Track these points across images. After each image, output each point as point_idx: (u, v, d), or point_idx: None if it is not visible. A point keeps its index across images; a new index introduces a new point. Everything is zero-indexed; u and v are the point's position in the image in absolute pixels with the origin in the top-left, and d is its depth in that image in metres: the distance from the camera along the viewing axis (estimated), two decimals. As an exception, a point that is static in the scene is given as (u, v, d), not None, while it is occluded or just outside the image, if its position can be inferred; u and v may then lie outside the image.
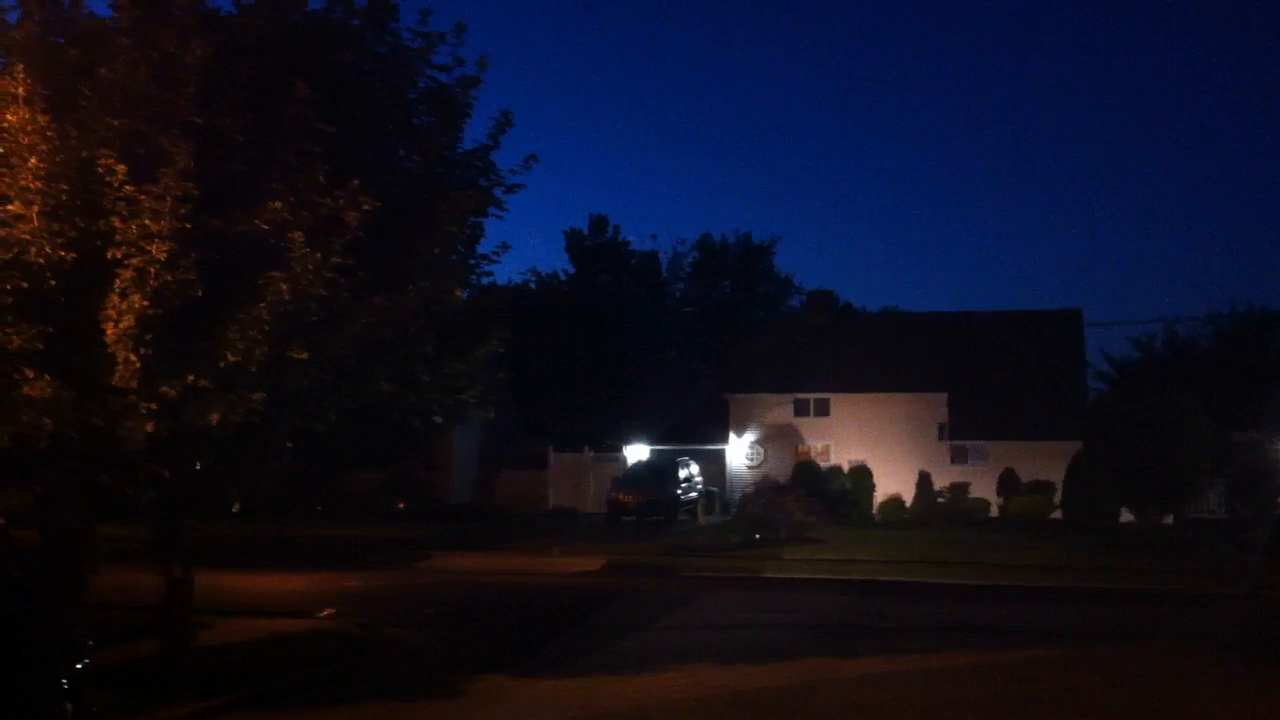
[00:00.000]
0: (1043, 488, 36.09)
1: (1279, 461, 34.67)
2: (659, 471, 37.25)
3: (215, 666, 11.28)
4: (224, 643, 12.41)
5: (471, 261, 13.44)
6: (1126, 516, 33.74)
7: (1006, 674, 11.92)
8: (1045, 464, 36.25)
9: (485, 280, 14.28)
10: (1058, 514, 34.73)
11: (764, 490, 32.80)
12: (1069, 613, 17.39)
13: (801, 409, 42.06)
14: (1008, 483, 36.94)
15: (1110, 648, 13.77)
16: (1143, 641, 14.35)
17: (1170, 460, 32.13)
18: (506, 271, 62.75)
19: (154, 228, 9.71)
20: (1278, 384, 38.08)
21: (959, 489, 37.57)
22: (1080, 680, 11.64)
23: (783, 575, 22.02)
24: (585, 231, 52.26)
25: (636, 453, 41.08)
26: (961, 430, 39.73)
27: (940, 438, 40.31)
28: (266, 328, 10.03)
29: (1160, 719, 10.12)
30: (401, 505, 35.11)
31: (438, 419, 12.78)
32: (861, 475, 38.07)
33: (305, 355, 10.46)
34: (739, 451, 42.30)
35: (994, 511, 36.45)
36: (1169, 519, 33.37)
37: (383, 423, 12.85)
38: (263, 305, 10.09)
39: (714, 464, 41.67)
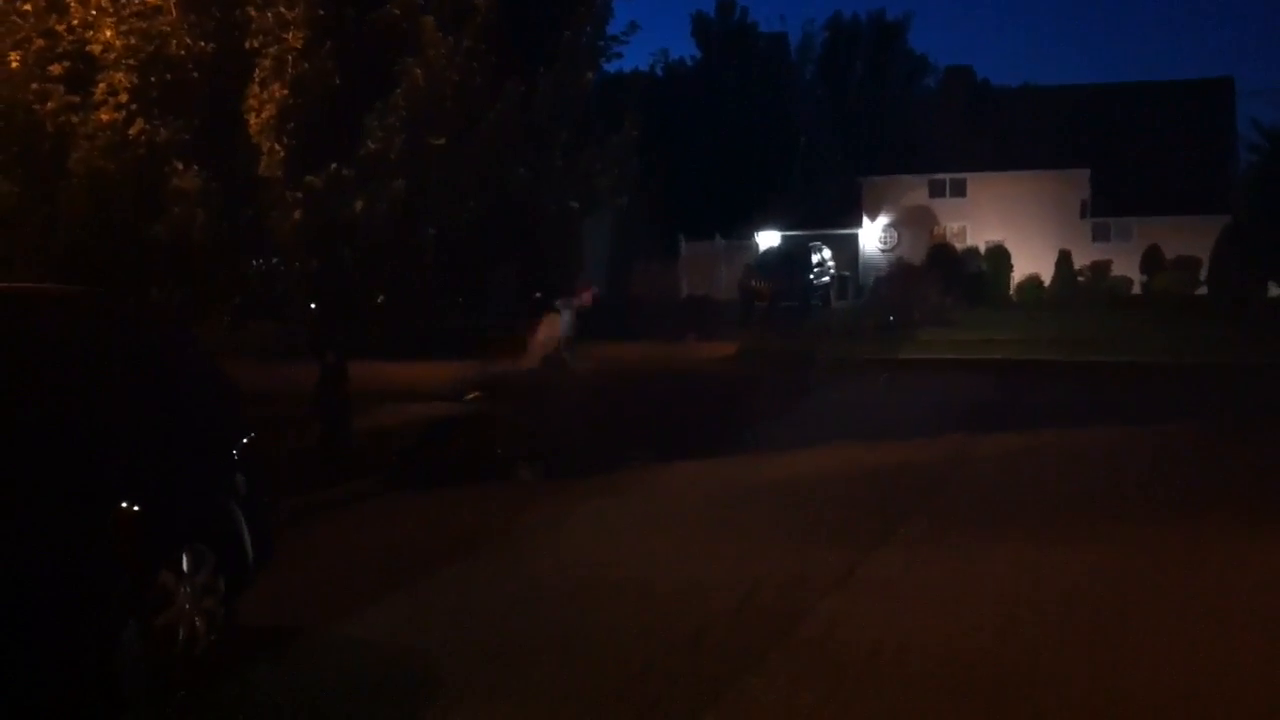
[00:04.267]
0: (1187, 264, 35.08)
1: None
2: (791, 257, 37.04)
3: (369, 449, 11.75)
4: (377, 427, 12.85)
5: (600, 43, 13.21)
6: (1275, 292, 32.71)
7: (1153, 450, 11.81)
8: (1191, 240, 35.13)
9: (615, 63, 14.04)
10: (1203, 290, 33.81)
11: (898, 274, 32.44)
12: (1212, 391, 17.02)
13: (937, 190, 41.18)
14: (1151, 260, 35.98)
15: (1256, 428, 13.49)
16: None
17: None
18: (635, 56, 61.56)
19: (289, 16, 9.72)
20: None
21: (1100, 267, 36.75)
22: (1217, 457, 11.48)
23: (919, 357, 21.90)
24: (712, 15, 50.89)
25: (768, 239, 40.78)
26: (1104, 207, 38.58)
27: (1081, 215, 39.23)
28: (404, 114, 10.08)
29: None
30: (537, 295, 35.47)
31: (574, 204, 12.81)
32: (998, 256, 37.38)
33: (442, 141, 10.51)
34: (872, 235, 41.76)
35: (1136, 289, 35.62)
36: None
37: (519, 219, 12.87)
38: (399, 92, 10.14)
39: (847, 249, 41.27)
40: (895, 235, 41.33)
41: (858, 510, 9.01)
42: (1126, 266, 36.36)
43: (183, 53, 9.61)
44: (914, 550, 7.75)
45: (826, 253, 38.56)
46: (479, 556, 7.86)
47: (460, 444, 12.31)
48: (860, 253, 41.69)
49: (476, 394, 14.21)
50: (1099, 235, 38.95)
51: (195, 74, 9.74)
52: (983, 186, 40.43)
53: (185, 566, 5.44)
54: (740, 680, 5.40)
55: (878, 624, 6.18)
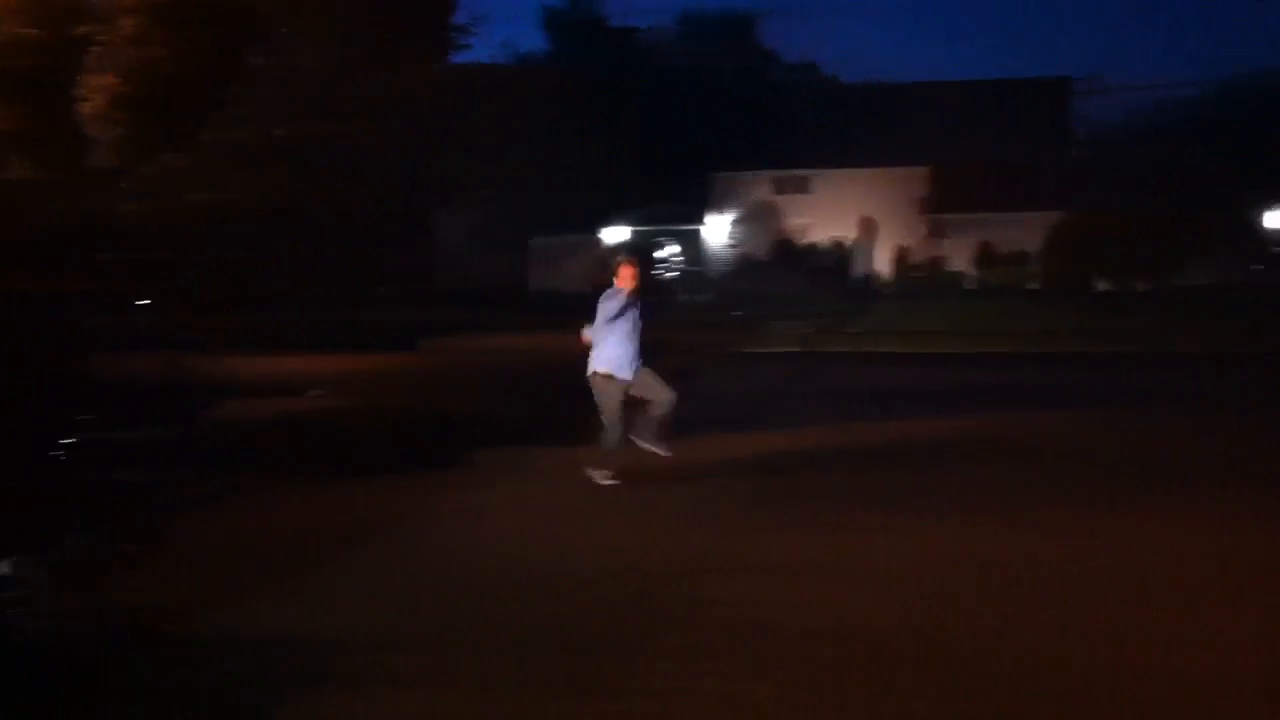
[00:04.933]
0: (1020, 259, 36.34)
1: (1262, 228, 34.87)
2: (638, 252, 37.33)
3: (219, 443, 11.42)
4: (230, 420, 12.50)
5: (448, 34, 13.12)
6: (1101, 285, 34.09)
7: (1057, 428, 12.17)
8: (1024, 235, 36.41)
9: (462, 54, 13.97)
10: (1035, 285, 35.05)
11: (744, 268, 32.90)
12: (1047, 375, 17.67)
13: (782, 186, 41.87)
14: (985, 255, 37.17)
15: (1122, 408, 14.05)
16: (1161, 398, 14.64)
17: (1148, 228, 32.28)
18: (486, 48, 61.11)
19: (121, 3, 9.41)
20: (1264, 149, 37.87)
21: (937, 262, 37.81)
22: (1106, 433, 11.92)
23: (769, 349, 22.23)
24: (563, 8, 50.83)
25: (616, 234, 40.96)
26: (942, 203, 39.68)
27: (920, 212, 40.28)
28: (251, 103, 9.85)
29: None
30: (384, 290, 35.15)
31: (427, 202, 12.70)
32: (841, 251, 38.19)
33: (283, 132, 10.31)
34: (719, 231, 42.23)
35: (971, 284, 36.77)
36: (1144, 287, 33.73)
37: (374, 210, 12.71)
38: (242, 84, 9.90)
39: (694, 244, 41.68)
40: (742, 231, 41.91)
41: (731, 495, 9.13)
42: (962, 261, 37.50)
43: (10, 39, 9.23)
44: (810, 534, 7.85)
45: (674, 247, 38.90)
46: (356, 548, 7.72)
47: (312, 439, 12.06)
48: (708, 248, 42.15)
49: (319, 391, 13.97)
50: (936, 231, 40.07)
51: (25, 61, 9.36)
52: (826, 183, 41.26)
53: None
54: (641, 662, 5.40)
55: (781, 603, 6.25)
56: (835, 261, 38.36)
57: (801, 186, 41.83)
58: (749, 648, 5.60)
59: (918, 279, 36.88)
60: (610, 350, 8.92)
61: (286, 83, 10.08)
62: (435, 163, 12.24)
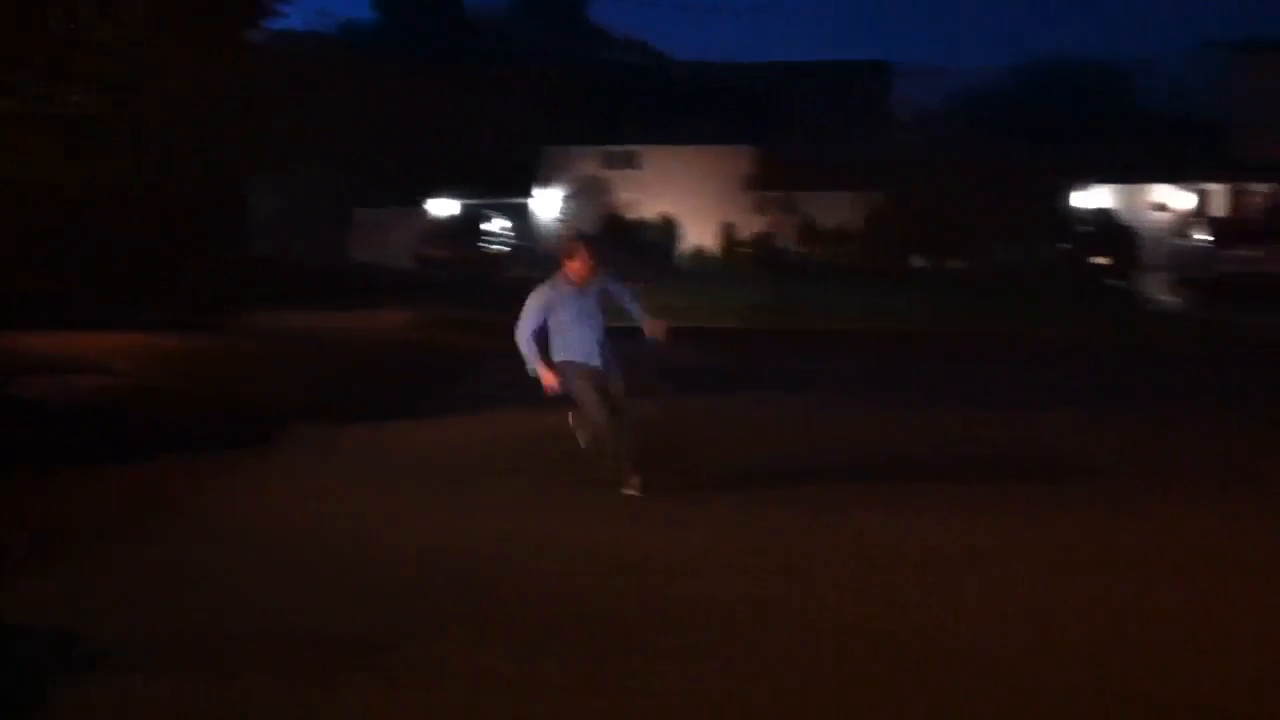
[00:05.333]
0: (842, 237, 37.14)
1: (1071, 211, 36.34)
2: (466, 225, 36.94)
3: (11, 425, 10.86)
4: (30, 398, 11.90)
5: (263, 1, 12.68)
6: (918, 263, 35.11)
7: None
8: (846, 214, 37.19)
9: (280, 22, 13.52)
10: (856, 261, 35.87)
11: (572, 242, 32.87)
12: (884, 352, 18.09)
13: (611, 161, 41.92)
14: (809, 232, 37.88)
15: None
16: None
17: (962, 208, 33.33)
18: (305, 15, 59.52)
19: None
20: (1076, 131, 39.38)
21: (762, 239, 38.39)
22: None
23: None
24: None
25: (442, 207, 40.45)
26: (767, 182, 40.28)
27: (746, 189, 40.82)
28: (44, 69, 9.34)
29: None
30: (190, 261, 33.84)
31: (241, 173, 12.27)
32: (669, 227, 38.42)
33: (78, 98, 9.82)
34: (548, 204, 42.09)
35: (795, 260, 37.43)
36: (958, 264, 34.85)
37: (186, 180, 12.23)
38: (37, 47, 9.38)
39: (523, 217, 41.44)
40: (571, 205, 41.85)
41: (553, 471, 9.12)
42: (787, 238, 38.17)
43: None
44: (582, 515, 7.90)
45: (503, 221, 38.59)
46: (150, 532, 7.45)
47: (117, 418, 11.55)
48: (537, 221, 41.98)
49: (124, 365, 13.41)
50: (762, 208, 40.69)
51: None
52: (655, 159, 41.49)
53: None
54: (418, 641, 5.36)
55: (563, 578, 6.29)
56: (662, 237, 38.59)
57: (630, 162, 41.97)
58: (484, 606, 5.66)
59: (743, 255, 37.38)
60: (571, 337, 8.35)
61: (83, 49, 9.58)
62: (244, 133, 11.79)
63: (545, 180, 42.08)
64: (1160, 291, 29.11)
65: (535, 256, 39.07)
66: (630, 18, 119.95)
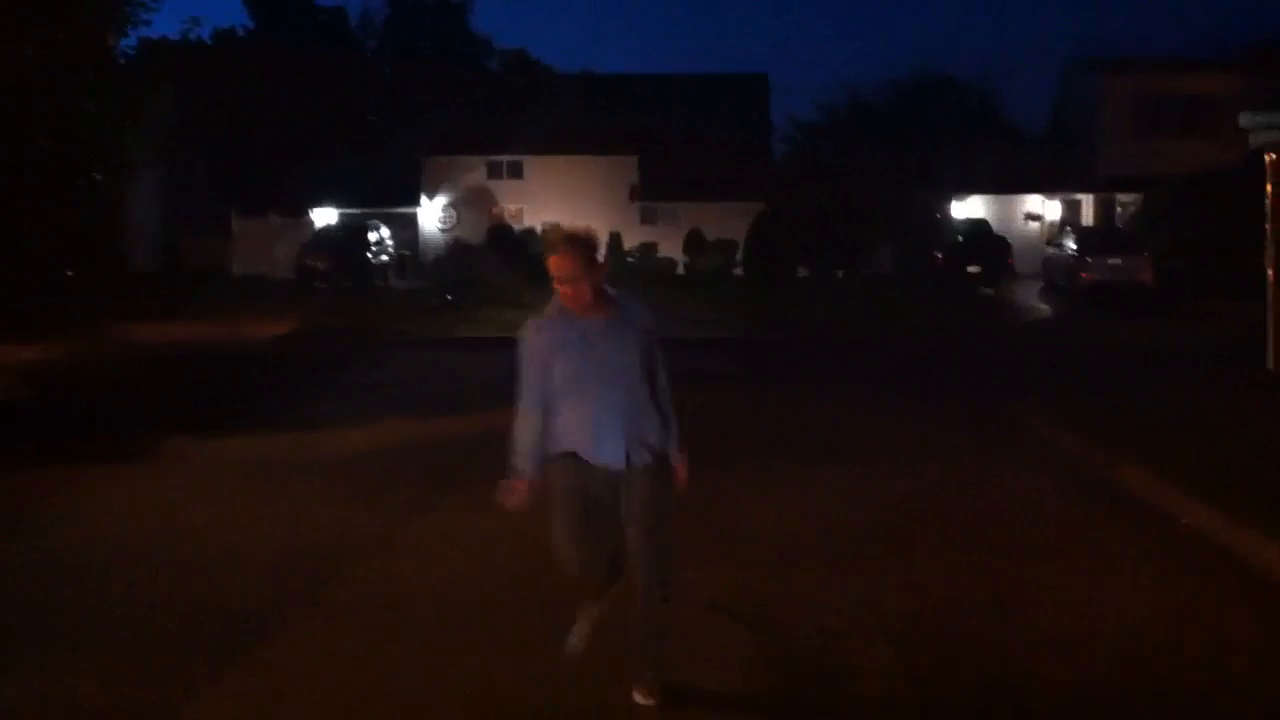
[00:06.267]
0: (726, 246, 37.51)
1: (942, 218, 37.25)
2: (349, 235, 36.60)
3: None
4: None
5: (127, 8, 12.48)
6: (803, 273, 35.62)
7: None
8: (731, 224, 37.58)
9: (143, 29, 13.33)
10: (740, 270, 36.29)
11: (457, 253, 32.71)
12: (746, 356, 18.40)
13: (495, 171, 41.85)
14: (695, 242, 38.20)
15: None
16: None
17: (843, 218, 33.94)
18: (174, 22, 58.50)
19: None
20: (948, 144, 40.41)
21: (648, 249, 38.62)
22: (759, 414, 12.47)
23: (479, 335, 22.22)
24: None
25: (325, 217, 40.05)
26: (651, 192, 40.59)
27: (631, 199, 41.08)
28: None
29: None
30: (69, 273, 33.11)
31: (98, 176, 12.05)
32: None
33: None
34: (432, 215, 41.90)
35: (680, 270, 37.77)
36: (840, 274, 35.47)
37: (50, 186, 11.98)
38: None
39: (407, 228, 41.18)
40: (455, 215, 41.68)
41: (404, 481, 9.15)
42: (672, 248, 38.47)
43: None
44: (451, 516, 8.00)
45: (385, 231, 38.30)
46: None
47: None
48: (421, 232, 41.76)
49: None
50: (647, 218, 40.97)
51: None
52: (539, 169, 41.52)
53: None
54: (266, 642, 5.44)
55: (410, 579, 6.42)
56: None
57: (515, 171, 41.96)
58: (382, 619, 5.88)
59: (631, 265, 37.54)
60: (566, 408, 4.88)
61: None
62: (110, 140, 11.60)
63: (430, 190, 41.89)
64: (1030, 299, 29.98)
65: (417, 266, 38.92)
66: (512, 26, 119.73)
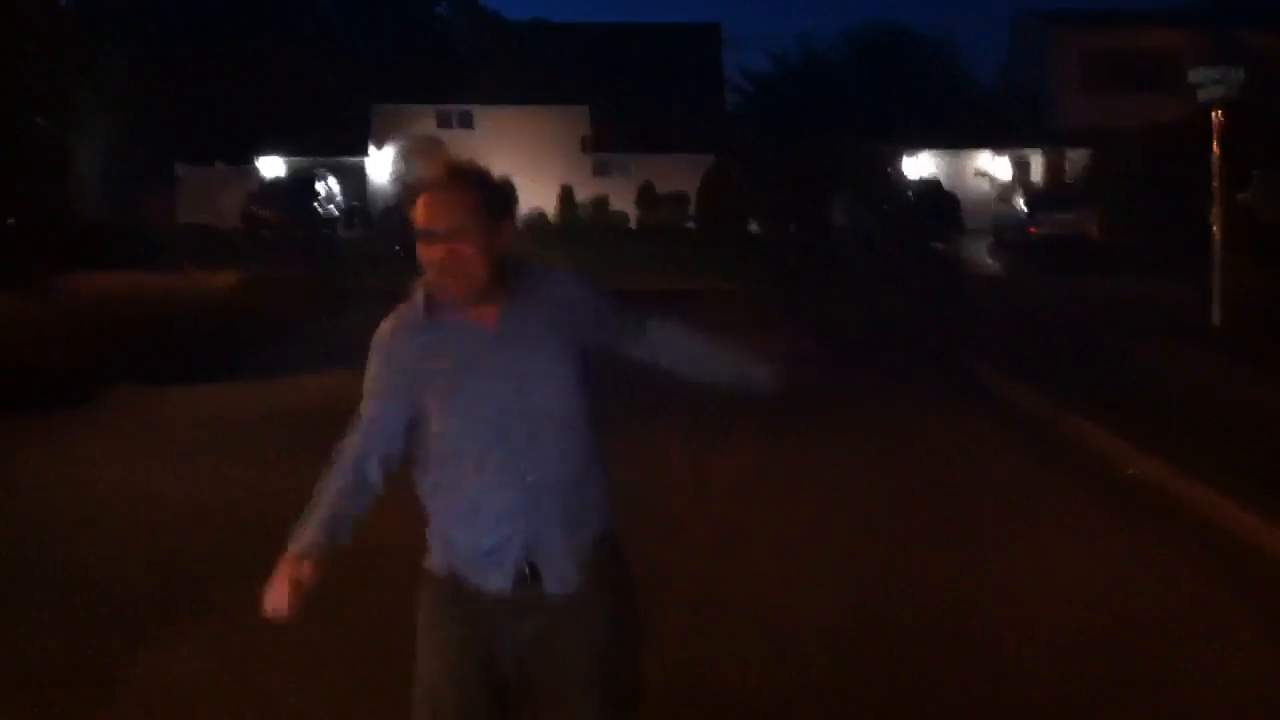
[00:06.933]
0: (679, 200, 37.44)
1: (894, 174, 37.37)
2: (297, 186, 36.20)
3: None
4: None
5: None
6: (753, 227, 35.67)
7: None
8: (683, 177, 37.49)
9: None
10: (692, 225, 36.28)
11: (406, 204, 32.46)
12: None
13: (445, 121, 41.47)
14: (647, 195, 38.09)
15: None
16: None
17: (795, 171, 33.96)
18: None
19: None
20: (905, 99, 40.42)
21: (600, 202, 38.49)
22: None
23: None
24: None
25: (272, 166, 39.55)
26: (604, 143, 40.39)
27: (583, 151, 40.86)
28: None
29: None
30: (10, 220, 32.53)
31: (40, 121, 11.84)
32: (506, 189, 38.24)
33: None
34: (381, 165, 41.49)
35: (633, 224, 37.69)
36: (792, 229, 35.51)
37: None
38: None
39: (355, 178, 40.76)
40: (404, 165, 41.30)
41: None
42: (624, 202, 38.35)
43: None
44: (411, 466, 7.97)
45: (334, 181, 37.89)
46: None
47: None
48: (369, 182, 41.34)
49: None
50: (600, 171, 40.79)
51: None
52: (490, 119, 41.15)
53: None
54: (226, 594, 5.40)
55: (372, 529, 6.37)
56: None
57: (465, 121, 41.55)
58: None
59: (584, 218, 37.41)
60: (449, 474, 2.88)
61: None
62: (53, 85, 11.40)
63: (378, 140, 41.45)
64: (980, 255, 30.23)
65: (366, 218, 38.56)
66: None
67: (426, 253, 2.77)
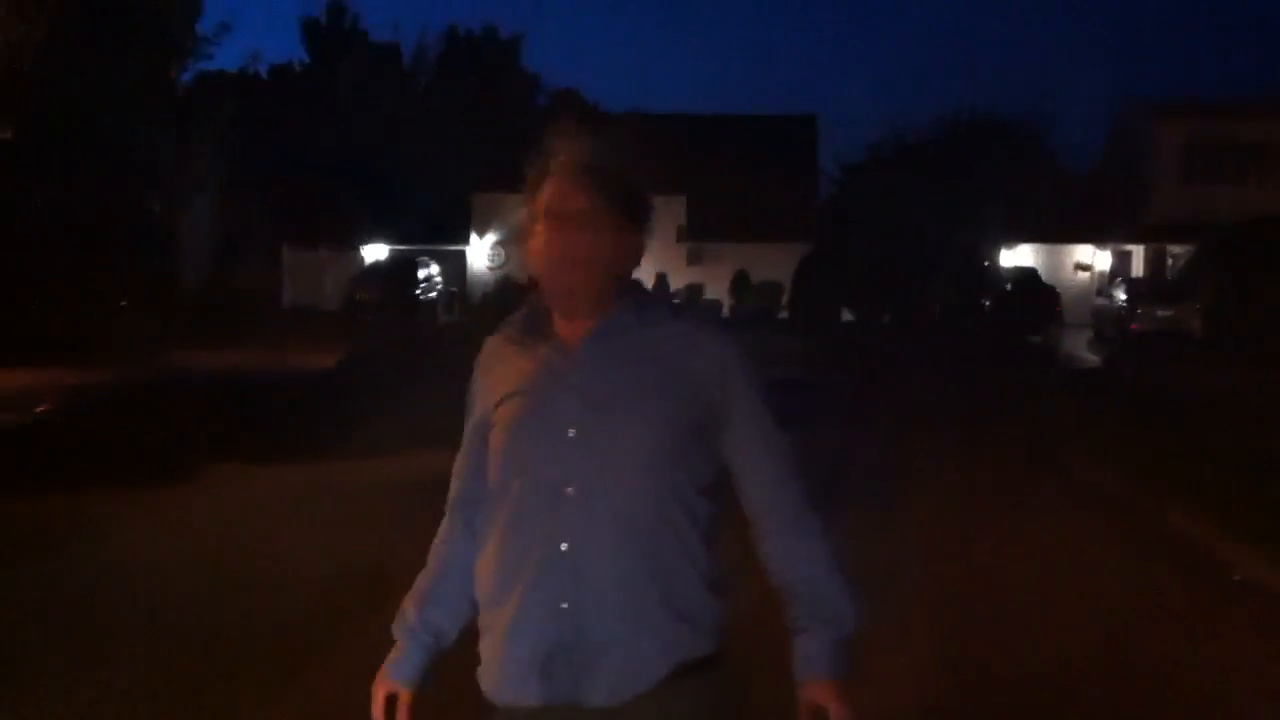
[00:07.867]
0: (772, 288, 37.54)
1: (991, 265, 37.09)
2: (398, 270, 36.95)
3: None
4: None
5: (190, 43, 12.78)
6: (848, 316, 35.59)
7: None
8: (777, 266, 37.62)
9: (206, 64, 13.66)
10: (785, 313, 36.30)
11: (505, 290, 32.94)
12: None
13: (544, 210, 42.08)
14: (740, 283, 38.25)
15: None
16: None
17: (890, 260, 33.88)
18: (234, 56, 59.59)
19: None
20: (1001, 186, 40.10)
21: (694, 290, 38.72)
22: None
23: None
24: (322, 20, 49.94)
25: (375, 251, 40.43)
26: (699, 232, 40.67)
27: (678, 240, 41.18)
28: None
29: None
30: (124, 303, 33.63)
31: (155, 208, 12.31)
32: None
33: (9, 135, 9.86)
34: (481, 252, 42.18)
35: (726, 312, 37.81)
36: (886, 318, 35.36)
37: (107, 212, 12.22)
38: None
39: (455, 264, 41.50)
40: (503, 253, 41.93)
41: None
42: (718, 290, 38.53)
43: None
44: None
45: (435, 267, 38.62)
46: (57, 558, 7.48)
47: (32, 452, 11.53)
48: (469, 269, 42.03)
49: (45, 406, 13.32)
50: (694, 259, 41.06)
51: None
52: (588, 208, 41.69)
53: None
54: (317, 661, 5.43)
55: None
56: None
57: (564, 211, 42.19)
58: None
59: (679, 305, 37.61)
60: (511, 552, 2.19)
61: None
62: (169, 165, 11.85)
63: (479, 228, 42.20)
64: (1079, 349, 29.78)
65: (465, 302, 39.19)
66: (563, 64, 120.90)
67: (537, 244, 2.31)
